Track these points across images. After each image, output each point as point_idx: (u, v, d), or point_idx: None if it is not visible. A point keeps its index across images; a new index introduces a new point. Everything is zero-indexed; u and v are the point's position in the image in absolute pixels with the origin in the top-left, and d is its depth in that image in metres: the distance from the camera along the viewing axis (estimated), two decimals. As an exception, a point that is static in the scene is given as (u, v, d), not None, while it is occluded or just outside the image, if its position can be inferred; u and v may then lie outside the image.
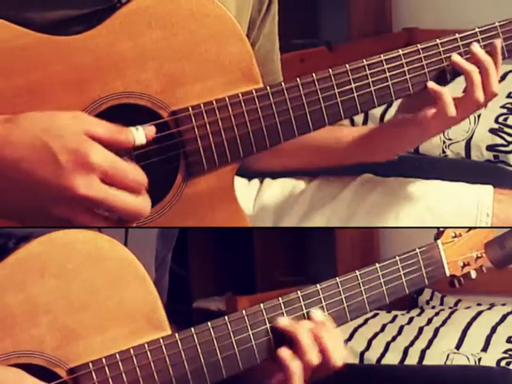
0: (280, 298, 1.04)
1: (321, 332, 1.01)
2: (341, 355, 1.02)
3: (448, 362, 2.15)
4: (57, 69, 1.01)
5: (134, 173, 0.96)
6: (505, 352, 2.13)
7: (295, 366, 0.99)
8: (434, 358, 2.18)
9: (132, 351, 0.94)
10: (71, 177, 0.91)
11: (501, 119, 2.33)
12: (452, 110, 1.19)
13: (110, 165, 0.93)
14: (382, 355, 2.28)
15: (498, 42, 1.22)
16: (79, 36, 1.03)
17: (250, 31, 1.29)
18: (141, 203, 0.96)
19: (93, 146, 0.93)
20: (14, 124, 0.93)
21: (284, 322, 1.02)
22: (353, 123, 2.35)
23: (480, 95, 1.19)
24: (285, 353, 1.00)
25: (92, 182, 0.92)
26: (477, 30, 1.23)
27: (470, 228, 1.26)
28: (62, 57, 1.02)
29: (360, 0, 2.93)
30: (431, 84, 1.20)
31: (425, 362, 2.19)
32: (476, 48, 1.21)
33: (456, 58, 1.21)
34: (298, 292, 1.06)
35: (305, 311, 1.06)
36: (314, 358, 0.99)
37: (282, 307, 1.04)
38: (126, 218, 0.96)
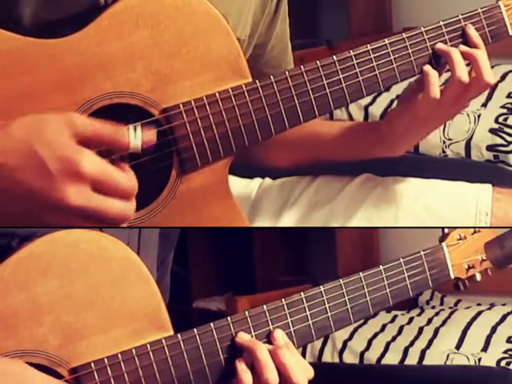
0: (283, 300, 1.04)
1: (281, 351, 0.99)
2: (302, 375, 1.00)
3: (448, 362, 2.15)
4: (46, 72, 1.02)
5: (125, 179, 0.95)
6: (505, 352, 2.13)
7: (248, 378, 0.98)
8: (433, 358, 2.18)
9: (134, 351, 0.94)
10: (62, 186, 0.90)
11: (501, 119, 2.34)
12: (435, 92, 1.19)
13: (101, 172, 0.92)
14: (382, 355, 2.28)
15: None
16: (67, 38, 1.03)
17: (254, 32, 1.29)
18: (127, 208, 0.96)
19: (83, 153, 0.92)
20: (4, 132, 0.92)
21: (244, 337, 1.00)
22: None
23: (463, 73, 1.19)
24: (240, 364, 0.99)
25: (82, 191, 0.91)
26: (460, 16, 1.25)
27: (474, 229, 1.26)
28: (51, 59, 1.02)
29: (360, 0, 2.93)
30: (425, 66, 1.21)
31: (425, 362, 2.19)
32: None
33: (438, 45, 1.22)
34: (302, 293, 1.05)
35: (308, 313, 1.06)
36: (272, 376, 0.97)
37: (285, 309, 1.04)
38: (114, 223, 0.96)
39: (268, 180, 1.47)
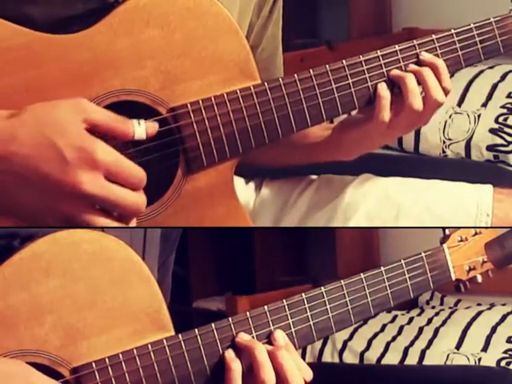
0: (284, 301, 1.04)
1: (279, 352, 0.99)
2: (299, 377, 1.00)
3: (448, 362, 2.16)
4: (55, 67, 1.02)
5: (136, 170, 0.97)
6: (505, 352, 2.13)
7: (236, 366, 0.98)
8: (433, 358, 2.19)
9: (135, 351, 0.94)
10: (77, 173, 0.92)
11: (501, 119, 2.34)
12: (383, 115, 1.18)
13: (114, 162, 0.94)
14: (382, 355, 2.28)
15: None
16: (77, 34, 1.03)
17: (249, 34, 1.29)
18: (139, 199, 0.97)
19: (97, 143, 0.94)
20: (18, 119, 0.94)
21: (244, 338, 1.01)
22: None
23: (415, 101, 1.18)
24: (229, 353, 0.99)
25: (96, 179, 0.93)
26: (472, 25, 1.24)
27: (475, 230, 1.26)
28: (60, 55, 1.02)
29: (360, 0, 2.93)
30: (380, 86, 1.19)
31: (425, 362, 2.19)
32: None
33: (393, 71, 1.20)
34: (303, 294, 1.05)
35: (309, 314, 1.06)
36: (269, 377, 0.98)
37: (286, 309, 1.04)
38: (126, 214, 0.97)
39: (268, 180, 1.47)
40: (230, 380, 0.97)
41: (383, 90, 1.18)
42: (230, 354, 0.99)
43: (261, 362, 0.98)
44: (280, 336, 1.02)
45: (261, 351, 0.98)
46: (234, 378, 0.97)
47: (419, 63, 1.20)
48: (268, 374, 0.97)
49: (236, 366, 0.98)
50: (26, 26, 1.01)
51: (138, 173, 0.97)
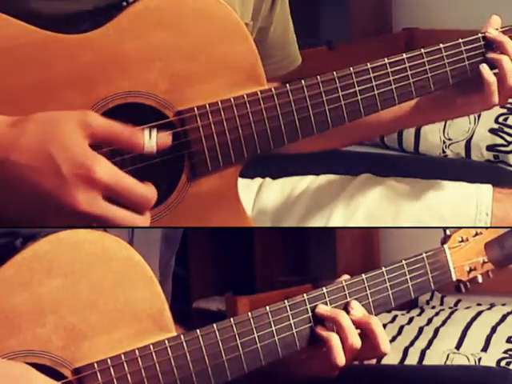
0: (286, 301, 1.04)
1: (369, 319, 1.06)
2: (388, 343, 1.07)
3: (448, 362, 2.16)
4: (63, 67, 1.02)
5: (140, 190, 0.95)
6: (505, 352, 2.13)
7: (335, 338, 1.03)
8: (434, 358, 2.18)
9: (137, 352, 0.94)
10: (73, 191, 0.91)
11: (501, 119, 2.34)
12: (494, 99, 1.23)
13: (114, 181, 0.93)
14: (382, 355, 2.28)
15: None
16: (86, 34, 1.03)
17: (256, 15, 1.28)
18: (138, 220, 0.96)
19: (98, 160, 0.92)
20: (20, 129, 0.92)
21: (324, 308, 1.05)
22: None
23: None
24: (323, 331, 1.04)
25: (93, 198, 0.92)
26: (480, 35, 1.25)
27: (476, 231, 1.26)
28: (69, 55, 1.02)
29: (360, 0, 2.93)
30: (486, 73, 1.22)
31: (425, 362, 2.19)
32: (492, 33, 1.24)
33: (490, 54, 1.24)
34: (304, 295, 1.05)
35: (310, 314, 1.06)
36: (356, 340, 1.04)
37: (288, 310, 1.04)
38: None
39: (268, 180, 1.47)
40: (334, 353, 1.03)
41: (491, 76, 1.23)
42: (326, 333, 1.04)
43: (347, 327, 1.04)
44: (357, 306, 1.08)
45: (344, 317, 1.05)
46: (337, 352, 1.03)
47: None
48: (355, 337, 1.04)
49: (336, 342, 1.03)
50: (34, 20, 1.00)
51: (143, 192, 0.95)
